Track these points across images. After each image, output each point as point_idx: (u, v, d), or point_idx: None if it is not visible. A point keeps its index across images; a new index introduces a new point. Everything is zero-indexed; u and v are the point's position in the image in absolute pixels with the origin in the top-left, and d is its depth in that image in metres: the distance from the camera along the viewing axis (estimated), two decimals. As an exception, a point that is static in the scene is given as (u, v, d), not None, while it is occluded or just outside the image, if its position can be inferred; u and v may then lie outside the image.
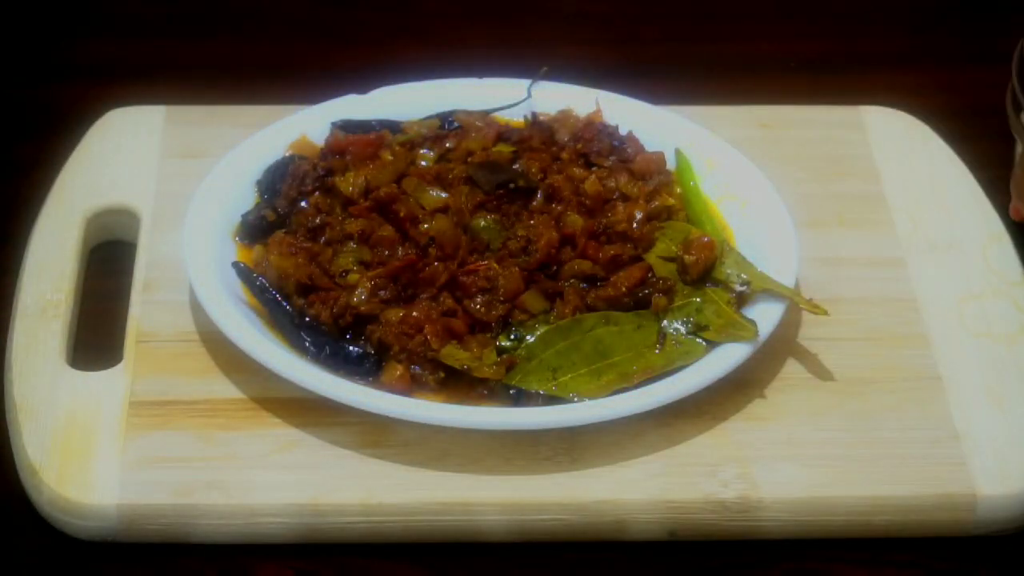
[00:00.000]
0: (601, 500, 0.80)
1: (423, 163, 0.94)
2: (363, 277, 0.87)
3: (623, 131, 0.99)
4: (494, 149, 0.95)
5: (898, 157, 1.02)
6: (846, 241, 0.96)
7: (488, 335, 0.86)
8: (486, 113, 0.99)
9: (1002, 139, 0.99)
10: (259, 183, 0.95)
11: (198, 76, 1.10)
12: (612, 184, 0.93)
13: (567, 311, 0.87)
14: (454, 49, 1.15)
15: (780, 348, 0.88)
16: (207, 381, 0.85)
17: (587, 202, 0.92)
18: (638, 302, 0.88)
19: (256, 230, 0.92)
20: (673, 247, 0.90)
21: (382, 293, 0.86)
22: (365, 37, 1.17)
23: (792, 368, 0.88)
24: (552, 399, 0.83)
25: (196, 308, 0.88)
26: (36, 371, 0.85)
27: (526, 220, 0.90)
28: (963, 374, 0.87)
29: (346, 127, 0.98)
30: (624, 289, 0.88)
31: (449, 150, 0.95)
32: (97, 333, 0.90)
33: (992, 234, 0.96)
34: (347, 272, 0.88)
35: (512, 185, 0.91)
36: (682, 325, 0.87)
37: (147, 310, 0.89)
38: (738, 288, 0.88)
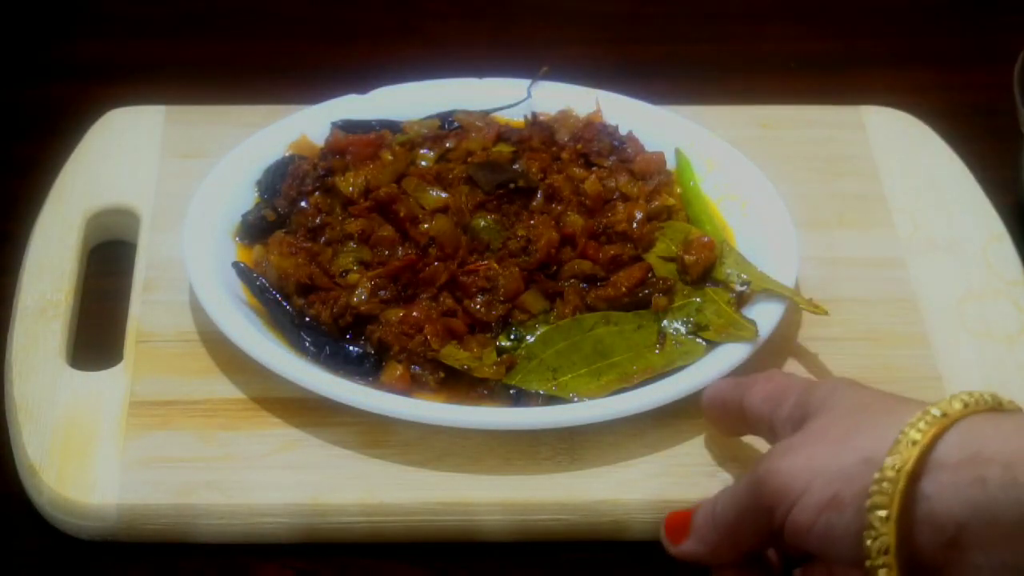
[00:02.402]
0: (601, 500, 0.80)
1: (423, 163, 0.94)
2: (363, 277, 0.87)
3: (623, 131, 0.99)
4: (494, 149, 0.95)
5: (898, 157, 1.02)
6: (846, 241, 0.96)
7: (488, 335, 0.86)
8: (486, 113, 0.99)
9: (1002, 139, 1.00)
10: (259, 183, 0.95)
11: (198, 76, 1.10)
12: (612, 184, 0.93)
13: (567, 311, 0.87)
14: (454, 49, 1.15)
15: (780, 348, 0.88)
16: (207, 381, 0.85)
17: (587, 202, 0.92)
18: (638, 302, 0.88)
19: (256, 230, 0.92)
20: (673, 247, 0.90)
21: (382, 293, 0.86)
22: (365, 37, 1.17)
23: (792, 368, 0.88)
24: (552, 399, 0.83)
25: (196, 308, 0.88)
26: (36, 371, 0.85)
27: (526, 220, 0.90)
28: (963, 374, 0.87)
29: (346, 127, 0.98)
30: (624, 289, 0.88)
31: (449, 150, 0.95)
32: (97, 333, 0.90)
33: (992, 234, 0.96)
34: (347, 272, 0.88)
35: (512, 185, 0.91)
36: (682, 325, 0.87)
37: (147, 310, 0.89)
38: (738, 288, 0.88)
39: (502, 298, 0.86)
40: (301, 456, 0.82)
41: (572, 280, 0.88)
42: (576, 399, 0.83)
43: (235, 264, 0.89)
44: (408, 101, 1.00)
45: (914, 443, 0.60)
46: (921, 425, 0.61)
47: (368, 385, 0.84)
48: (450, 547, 0.81)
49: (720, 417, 0.78)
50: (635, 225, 0.91)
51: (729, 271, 0.89)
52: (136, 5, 1.19)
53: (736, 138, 0.99)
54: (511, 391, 0.84)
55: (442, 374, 0.84)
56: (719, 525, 0.69)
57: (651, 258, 0.90)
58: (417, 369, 0.84)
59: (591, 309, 0.87)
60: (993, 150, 1.02)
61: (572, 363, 0.85)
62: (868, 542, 0.61)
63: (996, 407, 0.63)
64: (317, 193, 0.92)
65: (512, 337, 0.86)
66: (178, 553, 0.80)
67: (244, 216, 0.93)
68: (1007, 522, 0.58)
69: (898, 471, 0.60)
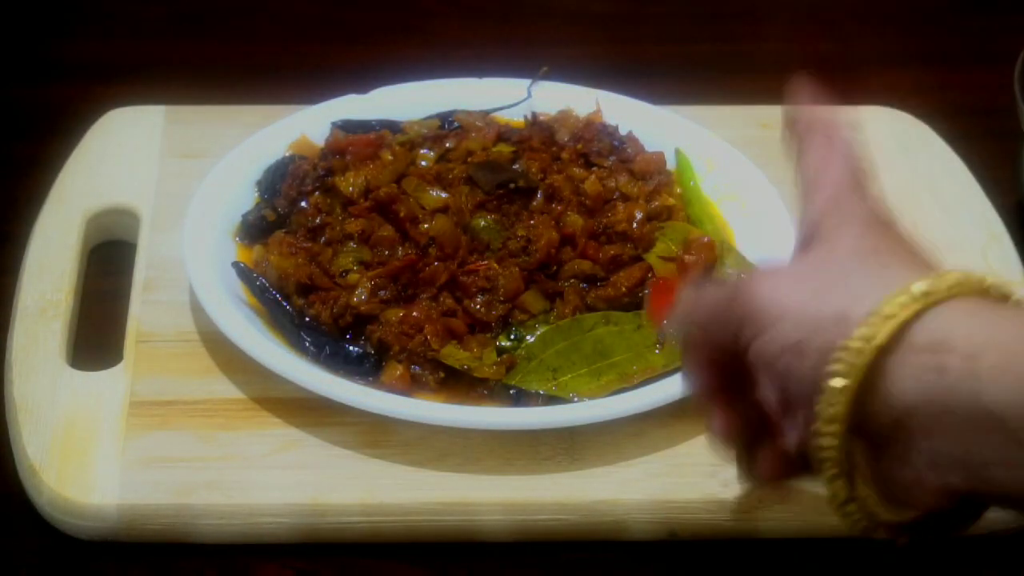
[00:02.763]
0: (601, 500, 0.80)
1: (423, 163, 0.94)
2: (363, 277, 0.87)
3: (623, 131, 0.99)
4: (494, 149, 0.95)
5: (898, 157, 1.02)
6: (846, 241, 0.96)
7: (488, 335, 0.86)
8: (486, 113, 0.99)
9: (1002, 139, 1.00)
10: (259, 183, 0.95)
11: (198, 76, 1.10)
12: (612, 184, 0.93)
13: (567, 311, 0.87)
14: (454, 49, 1.15)
15: (780, 348, 0.88)
16: (207, 381, 0.85)
17: (587, 202, 0.92)
18: (638, 302, 0.88)
19: (256, 230, 0.92)
20: (673, 247, 0.90)
21: (382, 293, 0.86)
22: (365, 37, 1.17)
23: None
24: (552, 399, 0.83)
25: (196, 308, 0.88)
26: (36, 371, 0.85)
27: (526, 220, 0.90)
28: (963, 374, 0.87)
29: (346, 127, 0.98)
30: (624, 289, 0.88)
31: (449, 150, 0.95)
32: (97, 333, 0.90)
33: (992, 234, 0.96)
34: (347, 272, 0.88)
35: (512, 185, 0.91)
36: (682, 325, 0.87)
37: (147, 310, 0.89)
38: (738, 288, 0.88)
39: (502, 298, 0.86)
40: (301, 456, 0.82)
41: (572, 280, 0.88)
42: (576, 399, 0.83)
43: (235, 264, 0.89)
44: (408, 101, 1.00)
45: (889, 317, 0.59)
46: (902, 299, 0.59)
47: (368, 385, 0.84)
48: (450, 547, 0.81)
49: (789, 135, 0.73)
50: (635, 225, 0.91)
51: (729, 271, 0.89)
52: (136, 5, 1.19)
53: (736, 138, 0.99)
54: (511, 391, 0.84)
55: (442, 374, 0.84)
56: (698, 312, 0.67)
57: (651, 258, 0.90)
58: (417, 369, 0.84)
59: (591, 309, 0.87)
60: (993, 150, 1.02)
61: (572, 363, 0.85)
62: (819, 407, 0.60)
63: (984, 292, 0.61)
64: (317, 193, 0.92)
65: (512, 337, 0.86)
66: (178, 553, 0.80)
67: (244, 216, 0.93)
68: (958, 415, 0.57)
69: (866, 342, 0.58)
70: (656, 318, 0.69)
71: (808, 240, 0.66)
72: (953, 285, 0.60)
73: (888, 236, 0.65)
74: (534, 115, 1.00)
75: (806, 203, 0.68)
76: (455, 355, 0.84)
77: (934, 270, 0.61)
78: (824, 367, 0.59)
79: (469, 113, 0.99)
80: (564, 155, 0.95)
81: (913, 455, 0.59)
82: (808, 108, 0.72)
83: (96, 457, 0.81)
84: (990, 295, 0.61)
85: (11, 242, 0.94)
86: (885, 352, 0.58)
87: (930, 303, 0.59)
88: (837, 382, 0.59)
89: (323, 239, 0.90)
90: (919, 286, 0.59)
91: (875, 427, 0.60)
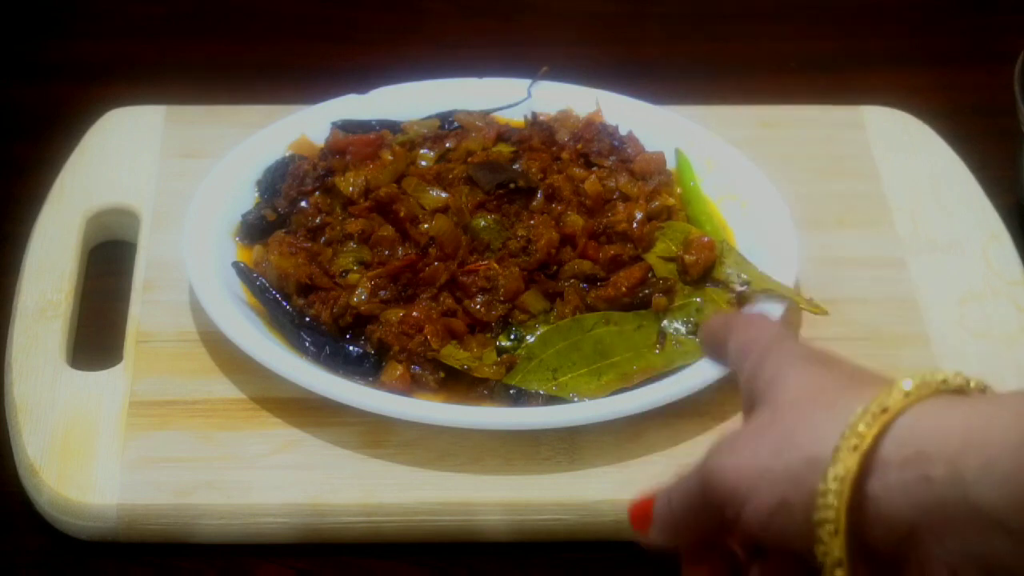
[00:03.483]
0: (601, 500, 0.80)
1: (423, 163, 0.94)
2: (363, 277, 0.87)
3: (623, 131, 0.99)
4: (494, 149, 0.95)
5: (898, 157, 1.02)
6: (846, 241, 0.96)
7: (488, 335, 0.86)
8: (486, 113, 0.99)
9: (1002, 139, 1.00)
10: (259, 183, 0.95)
11: (198, 76, 1.10)
12: (612, 184, 0.93)
13: (567, 311, 0.87)
14: (454, 49, 1.15)
15: (780, 348, 0.88)
16: (207, 381, 0.85)
17: (587, 202, 0.91)
18: (638, 302, 0.88)
19: (256, 230, 0.92)
20: (673, 247, 0.90)
21: (382, 293, 0.86)
22: (365, 37, 1.17)
23: (792, 368, 0.87)
24: (552, 399, 0.83)
25: (196, 308, 0.88)
26: (36, 371, 0.85)
27: (526, 220, 0.90)
28: (963, 374, 0.87)
29: (346, 127, 0.98)
30: (624, 289, 0.88)
31: (449, 150, 0.95)
32: (97, 333, 0.90)
33: (992, 234, 0.96)
34: (347, 272, 0.88)
35: (512, 185, 0.91)
36: (682, 325, 0.87)
37: (147, 310, 0.89)
38: (738, 288, 0.88)
39: (502, 298, 0.86)
40: (301, 456, 0.82)
41: (572, 280, 0.88)
42: (576, 399, 0.83)
43: (235, 264, 0.89)
44: (408, 101, 1.00)
45: (855, 448, 0.57)
46: (861, 427, 0.58)
47: (368, 385, 0.84)
48: (450, 547, 0.81)
49: (714, 354, 0.73)
50: (635, 225, 0.91)
51: (729, 271, 0.89)
52: (136, 5, 1.19)
53: (736, 138, 0.99)
54: (511, 391, 0.84)
55: (442, 374, 0.84)
56: (677, 518, 0.66)
57: (651, 258, 0.90)
58: (417, 369, 0.84)
59: (591, 309, 0.87)
60: (993, 150, 1.02)
61: (572, 363, 0.85)
62: (820, 556, 0.59)
63: (942, 388, 0.59)
64: (317, 193, 0.92)
65: (512, 337, 0.86)
66: (178, 553, 0.80)
67: (244, 216, 0.93)
68: (959, 518, 0.56)
69: (841, 480, 0.57)
70: (640, 530, 0.69)
71: (751, 405, 0.65)
72: (909, 392, 0.58)
73: (826, 368, 0.63)
74: (534, 115, 1.00)
75: (740, 373, 0.67)
76: (455, 355, 0.84)
77: (884, 384, 0.59)
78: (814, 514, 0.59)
79: (469, 113, 0.99)
80: (564, 155, 0.95)
81: (932, 565, 0.58)
82: (723, 318, 0.74)
83: (96, 457, 0.81)
84: (950, 388, 0.59)
85: (11, 242, 0.94)
86: (863, 477, 0.58)
87: (891, 417, 0.58)
88: (828, 528, 0.58)
89: (323, 239, 0.90)
90: (875, 406, 0.58)
91: (885, 551, 0.59)
